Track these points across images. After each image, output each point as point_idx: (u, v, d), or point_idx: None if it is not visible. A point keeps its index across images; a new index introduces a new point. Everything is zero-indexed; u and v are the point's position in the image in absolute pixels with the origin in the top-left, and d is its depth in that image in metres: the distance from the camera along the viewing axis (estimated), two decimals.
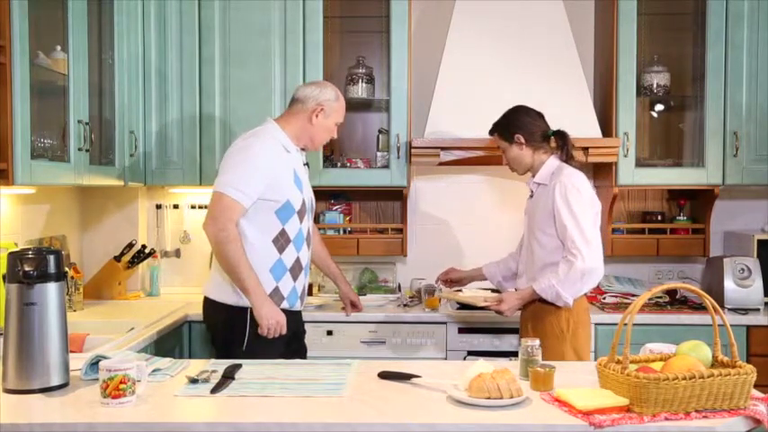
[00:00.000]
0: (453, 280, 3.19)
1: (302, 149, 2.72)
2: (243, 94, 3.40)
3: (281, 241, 2.57)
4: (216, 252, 2.52)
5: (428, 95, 3.47)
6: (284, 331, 2.54)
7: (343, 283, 3.13)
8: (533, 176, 2.80)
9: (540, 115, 2.81)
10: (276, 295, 2.58)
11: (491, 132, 2.90)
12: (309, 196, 2.71)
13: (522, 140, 2.76)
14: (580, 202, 2.60)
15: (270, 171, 2.52)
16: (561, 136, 2.77)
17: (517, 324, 3.17)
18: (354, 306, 3.16)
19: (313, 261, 3.11)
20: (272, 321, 2.50)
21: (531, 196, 2.84)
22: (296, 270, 2.62)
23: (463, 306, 3.25)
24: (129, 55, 3.27)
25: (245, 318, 2.54)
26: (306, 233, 2.66)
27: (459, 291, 3.23)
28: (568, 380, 2.02)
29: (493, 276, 3.10)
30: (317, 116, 2.65)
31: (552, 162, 2.76)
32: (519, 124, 2.78)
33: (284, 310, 2.58)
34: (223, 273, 2.55)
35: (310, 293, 3.56)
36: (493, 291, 3.19)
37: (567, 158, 2.76)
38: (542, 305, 2.66)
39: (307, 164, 2.77)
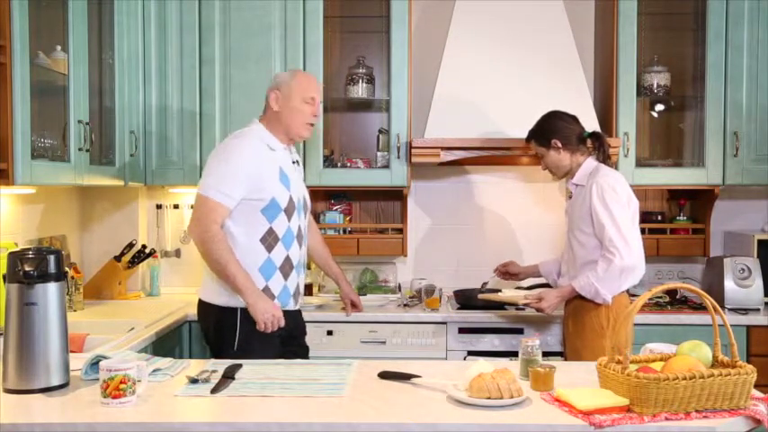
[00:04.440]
0: (511, 273, 3.25)
1: (289, 145, 2.69)
2: (243, 93, 3.40)
3: (269, 240, 2.56)
4: (202, 254, 2.52)
5: (428, 95, 3.46)
6: (282, 324, 2.53)
7: (344, 282, 3.13)
8: (571, 178, 2.85)
9: (575, 118, 2.86)
10: (266, 294, 2.57)
11: (527, 140, 2.94)
12: (300, 194, 2.68)
13: (560, 145, 2.82)
14: (617, 202, 2.65)
15: (252, 170, 2.51)
16: (597, 137, 2.83)
17: (516, 325, 3.20)
18: (354, 306, 3.17)
19: (314, 261, 3.12)
20: (267, 316, 2.49)
21: (570, 197, 2.89)
22: (286, 269, 2.61)
23: (489, 306, 3.23)
24: (129, 55, 3.27)
25: (235, 318, 2.53)
26: (296, 231, 2.63)
27: (499, 291, 3.25)
28: (568, 380, 2.02)
29: (549, 273, 3.14)
30: (277, 101, 2.63)
31: (590, 163, 2.81)
32: (555, 129, 2.83)
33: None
34: (212, 274, 2.56)
35: (310, 293, 3.56)
36: (529, 288, 3.24)
37: (605, 159, 2.81)
38: (583, 302, 2.72)
39: (297, 161, 2.73)
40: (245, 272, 2.49)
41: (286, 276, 2.61)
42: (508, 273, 3.27)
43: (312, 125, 2.69)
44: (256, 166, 2.53)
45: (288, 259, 2.61)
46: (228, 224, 2.53)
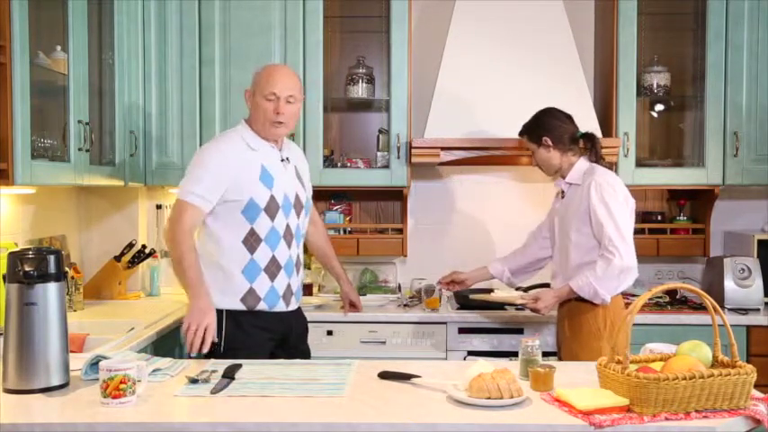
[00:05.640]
0: (457, 282, 3.20)
1: (276, 145, 2.62)
2: (243, 94, 3.37)
3: (251, 241, 2.53)
4: (169, 254, 2.53)
5: (428, 95, 3.47)
6: (210, 334, 2.40)
7: (345, 282, 3.12)
8: (563, 177, 2.82)
9: (569, 117, 2.83)
10: (251, 296, 2.54)
11: (520, 134, 2.92)
12: (289, 192, 2.60)
13: (550, 143, 2.79)
14: (616, 200, 2.64)
15: (226, 171, 2.49)
16: (590, 138, 2.81)
17: (516, 325, 3.20)
18: (353, 306, 3.16)
19: (316, 258, 3.11)
20: (195, 318, 2.38)
21: (562, 197, 2.85)
22: (272, 269, 2.56)
23: (489, 306, 3.24)
24: (129, 55, 3.27)
25: (220, 319, 2.51)
26: (283, 231, 2.57)
27: (492, 291, 3.25)
28: (568, 380, 2.02)
29: (500, 273, 3.13)
30: (248, 99, 2.62)
31: (582, 163, 2.79)
32: (547, 127, 2.81)
33: (264, 312, 2.56)
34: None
35: (310, 293, 3.56)
36: (525, 290, 3.23)
37: (597, 159, 2.79)
38: (579, 303, 2.70)
39: (287, 159, 2.65)
40: (200, 272, 2.46)
41: (273, 277, 2.57)
42: (454, 282, 3.21)
43: (280, 123, 2.54)
44: (231, 167, 2.50)
45: (274, 260, 2.56)
46: (211, 226, 2.53)
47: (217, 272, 2.54)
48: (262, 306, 2.56)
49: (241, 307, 2.55)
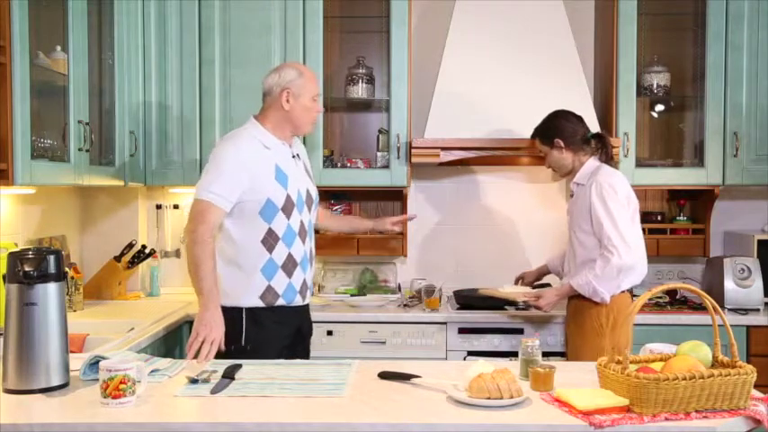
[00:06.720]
0: (530, 282, 3.31)
1: (287, 142, 2.65)
2: (243, 94, 3.39)
3: (270, 240, 2.54)
4: (187, 253, 2.51)
5: (428, 95, 3.47)
6: (215, 347, 2.38)
7: (367, 221, 3.18)
8: (573, 177, 2.88)
9: (580, 119, 2.90)
10: (270, 293, 2.56)
11: (532, 136, 2.98)
12: (300, 188, 2.63)
13: (562, 144, 2.86)
14: (615, 201, 2.69)
15: (243, 172, 2.49)
16: (600, 138, 2.86)
17: (516, 325, 3.21)
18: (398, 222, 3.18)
19: (342, 231, 3.28)
20: (205, 329, 2.37)
21: (572, 196, 2.92)
22: (289, 266, 2.58)
23: (489, 306, 3.25)
24: (129, 55, 3.27)
25: (240, 317, 2.53)
26: (298, 228, 2.60)
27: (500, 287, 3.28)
28: (568, 380, 2.02)
29: (556, 268, 3.20)
30: (287, 101, 2.60)
31: (592, 163, 2.85)
32: (558, 129, 2.87)
33: (282, 307, 2.57)
34: (220, 275, 2.56)
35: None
36: (533, 287, 3.26)
37: (607, 159, 2.85)
38: (583, 301, 2.75)
39: (297, 155, 2.68)
40: (215, 282, 2.46)
41: (290, 274, 2.60)
42: (529, 283, 3.31)
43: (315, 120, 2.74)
44: (248, 167, 2.50)
45: (290, 257, 2.59)
46: (229, 227, 2.53)
47: (235, 271, 2.55)
48: (281, 302, 2.59)
49: (260, 304, 2.56)
